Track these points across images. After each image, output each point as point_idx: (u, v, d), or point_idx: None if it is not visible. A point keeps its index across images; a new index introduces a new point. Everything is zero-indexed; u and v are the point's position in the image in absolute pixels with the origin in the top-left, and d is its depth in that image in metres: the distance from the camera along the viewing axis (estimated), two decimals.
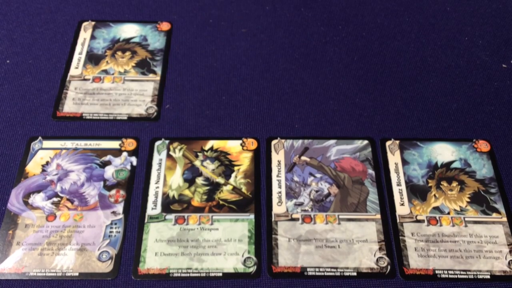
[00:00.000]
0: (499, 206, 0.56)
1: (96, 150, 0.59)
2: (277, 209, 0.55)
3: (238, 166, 0.59)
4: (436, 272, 0.51)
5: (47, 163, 0.58)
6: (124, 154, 0.59)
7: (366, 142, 0.61)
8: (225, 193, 0.57)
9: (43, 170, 0.58)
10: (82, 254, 0.52)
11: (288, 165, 0.59)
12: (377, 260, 0.52)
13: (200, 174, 0.58)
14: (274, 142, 0.61)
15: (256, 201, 0.56)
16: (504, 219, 0.55)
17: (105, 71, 0.67)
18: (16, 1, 0.75)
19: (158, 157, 0.59)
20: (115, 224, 0.54)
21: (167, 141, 0.60)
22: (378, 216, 0.55)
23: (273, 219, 0.55)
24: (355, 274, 0.51)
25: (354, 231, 0.54)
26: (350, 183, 0.57)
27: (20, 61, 0.68)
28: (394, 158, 0.59)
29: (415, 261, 0.52)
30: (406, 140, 0.61)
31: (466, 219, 0.55)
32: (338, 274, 0.51)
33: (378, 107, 0.64)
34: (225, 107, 0.64)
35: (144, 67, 0.67)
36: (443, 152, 0.60)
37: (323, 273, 0.51)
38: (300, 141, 0.61)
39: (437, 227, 0.54)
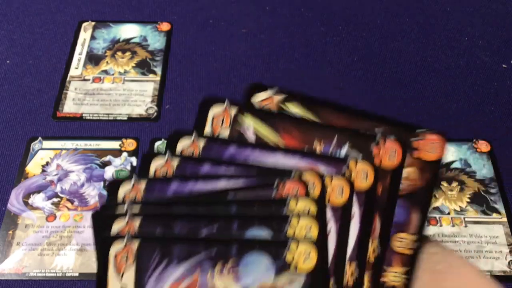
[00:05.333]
0: (499, 206, 0.56)
1: (96, 151, 0.59)
2: None
3: None
4: None
5: (47, 163, 0.58)
6: (124, 154, 0.59)
7: None
8: None
9: (43, 171, 0.58)
10: (82, 254, 0.52)
11: None
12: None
13: None
14: None
15: None
16: (504, 219, 0.55)
17: (105, 72, 0.67)
18: (17, 1, 0.75)
19: None
20: None
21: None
22: None
23: None
24: None
25: None
26: None
27: (20, 61, 0.68)
28: None
29: None
30: None
31: (466, 219, 0.55)
32: None
33: (378, 107, 0.64)
34: None
35: (144, 67, 0.67)
36: None
37: None
38: None
39: (437, 227, 0.54)
